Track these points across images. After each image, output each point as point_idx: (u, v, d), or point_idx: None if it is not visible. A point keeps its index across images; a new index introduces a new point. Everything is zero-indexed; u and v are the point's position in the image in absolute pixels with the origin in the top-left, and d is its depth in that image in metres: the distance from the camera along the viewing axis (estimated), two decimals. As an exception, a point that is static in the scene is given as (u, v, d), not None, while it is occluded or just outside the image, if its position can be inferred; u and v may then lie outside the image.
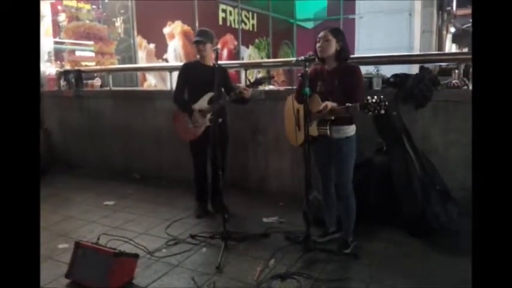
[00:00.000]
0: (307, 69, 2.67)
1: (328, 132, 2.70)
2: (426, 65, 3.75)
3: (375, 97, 2.39)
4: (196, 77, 3.53)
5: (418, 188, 3.12)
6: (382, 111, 2.39)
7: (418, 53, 8.32)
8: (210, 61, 3.56)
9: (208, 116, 3.44)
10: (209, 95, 3.43)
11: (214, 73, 3.20)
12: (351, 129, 2.80)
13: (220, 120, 3.22)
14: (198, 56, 3.58)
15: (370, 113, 2.41)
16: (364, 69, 4.04)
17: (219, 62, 3.28)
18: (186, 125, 3.57)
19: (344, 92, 2.66)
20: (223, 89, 3.50)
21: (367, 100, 2.40)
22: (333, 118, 2.68)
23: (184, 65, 3.79)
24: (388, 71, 3.88)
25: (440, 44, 10.80)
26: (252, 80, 3.43)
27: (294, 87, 3.07)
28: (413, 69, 4.92)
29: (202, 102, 3.48)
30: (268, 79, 3.39)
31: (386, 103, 2.37)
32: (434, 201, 3.11)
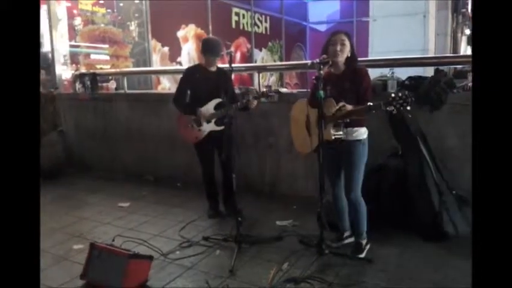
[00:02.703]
0: (321, 72, 2.65)
1: (344, 136, 2.68)
2: (441, 68, 3.71)
3: (400, 93, 2.37)
4: (200, 81, 3.54)
5: (433, 193, 3.08)
6: (409, 107, 2.36)
7: (432, 55, 8.24)
8: (214, 66, 3.59)
9: (213, 121, 3.48)
10: (216, 100, 3.45)
11: (219, 78, 3.21)
12: (363, 132, 2.78)
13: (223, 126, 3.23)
14: (204, 62, 3.60)
15: (395, 110, 2.38)
16: (379, 72, 4.02)
17: (232, 65, 3.28)
18: (188, 128, 3.59)
19: (355, 94, 2.67)
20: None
21: (393, 96, 2.37)
22: (348, 121, 2.66)
23: (188, 69, 3.79)
24: (402, 73, 3.85)
25: (455, 46, 10.68)
26: (261, 91, 3.44)
27: (307, 89, 3.05)
28: (428, 71, 4.87)
29: (209, 108, 3.49)
30: (277, 93, 3.37)
31: (413, 99, 2.35)
32: (451, 206, 3.07)
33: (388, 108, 2.40)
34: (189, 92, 3.62)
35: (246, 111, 3.49)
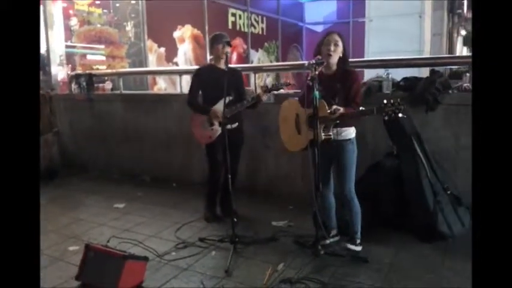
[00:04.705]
0: (316, 72, 2.66)
1: (333, 136, 2.71)
2: (437, 68, 3.72)
3: (392, 100, 2.38)
4: (211, 80, 3.53)
5: (428, 193, 3.09)
6: (400, 115, 2.37)
7: (428, 56, 8.26)
8: (224, 63, 3.58)
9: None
10: (227, 98, 3.44)
11: (229, 76, 3.21)
12: (352, 132, 2.82)
13: (236, 124, 3.23)
14: (213, 59, 3.59)
15: (387, 116, 2.40)
16: (374, 73, 4.03)
17: (230, 65, 3.29)
18: (202, 129, 3.56)
19: (345, 96, 2.68)
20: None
21: (385, 103, 2.39)
22: (338, 122, 2.68)
23: (199, 69, 3.78)
24: (398, 74, 3.86)
25: (451, 47, 10.70)
26: (269, 86, 3.43)
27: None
28: (424, 72, 4.88)
29: (220, 106, 3.47)
30: (285, 85, 3.39)
31: (404, 106, 2.36)
32: (445, 206, 3.08)
33: (381, 114, 2.42)
34: (200, 92, 3.62)
35: (254, 108, 3.49)
